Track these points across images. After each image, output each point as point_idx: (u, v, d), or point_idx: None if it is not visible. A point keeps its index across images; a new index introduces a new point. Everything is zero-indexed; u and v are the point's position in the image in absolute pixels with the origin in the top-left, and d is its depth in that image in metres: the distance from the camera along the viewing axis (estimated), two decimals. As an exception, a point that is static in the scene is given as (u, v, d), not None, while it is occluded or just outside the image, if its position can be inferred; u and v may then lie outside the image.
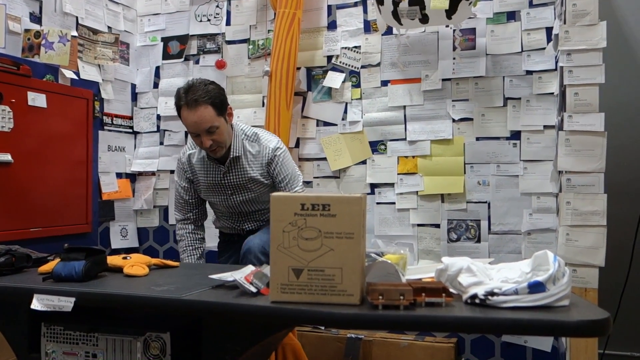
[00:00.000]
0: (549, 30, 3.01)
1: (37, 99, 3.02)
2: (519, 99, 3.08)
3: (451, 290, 1.49)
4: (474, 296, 1.42)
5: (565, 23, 2.57)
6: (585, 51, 2.52)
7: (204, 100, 2.42)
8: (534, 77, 3.06)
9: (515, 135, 3.10)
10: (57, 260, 1.88)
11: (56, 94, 3.16)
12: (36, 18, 3.14)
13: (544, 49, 3.02)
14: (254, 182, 2.64)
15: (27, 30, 3.04)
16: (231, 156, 2.58)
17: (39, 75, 3.10)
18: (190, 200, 2.77)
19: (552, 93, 2.99)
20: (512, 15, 3.12)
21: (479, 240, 3.16)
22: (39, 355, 1.80)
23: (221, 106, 2.49)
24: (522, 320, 1.32)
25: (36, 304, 1.69)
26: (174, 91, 3.71)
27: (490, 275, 1.51)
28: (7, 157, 2.85)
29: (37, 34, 3.05)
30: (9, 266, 1.94)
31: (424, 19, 2.91)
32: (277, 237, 1.50)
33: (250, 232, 2.73)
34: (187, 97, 2.43)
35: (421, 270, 1.85)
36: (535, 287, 1.37)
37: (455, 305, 1.44)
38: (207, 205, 2.88)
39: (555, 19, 2.94)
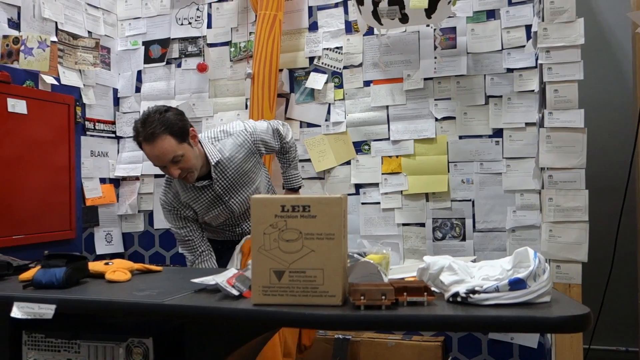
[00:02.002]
0: (528, 28, 3.03)
1: (17, 105, 2.99)
2: (501, 96, 3.10)
3: (433, 289, 1.49)
4: (456, 294, 1.43)
5: (543, 20, 2.58)
6: (563, 48, 2.53)
7: (161, 132, 2.31)
8: (515, 74, 3.08)
9: (498, 133, 3.12)
10: (38, 267, 1.86)
11: (37, 100, 3.13)
12: (14, 24, 3.11)
13: (523, 46, 3.04)
14: (247, 174, 2.61)
15: (5, 37, 3.01)
16: (212, 163, 2.53)
17: (18, 81, 3.07)
18: (197, 239, 2.66)
19: (533, 90, 3.01)
20: (491, 14, 3.13)
21: (464, 239, 3.17)
22: (20, 364, 1.78)
23: (181, 133, 2.37)
24: (503, 317, 1.32)
25: (16, 312, 1.67)
26: (157, 95, 3.78)
27: (472, 273, 1.51)
28: (-13, 164, 2.82)
29: (16, 40, 3.02)
30: (-11, 274, 1.92)
31: (404, 19, 2.91)
32: (258, 239, 1.49)
33: (244, 232, 2.70)
34: (144, 132, 2.31)
35: (404, 270, 1.86)
36: (516, 284, 1.37)
37: (437, 304, 1.44)
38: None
39: (534, 16, 2.96)
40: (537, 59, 2.91)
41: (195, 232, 2.65)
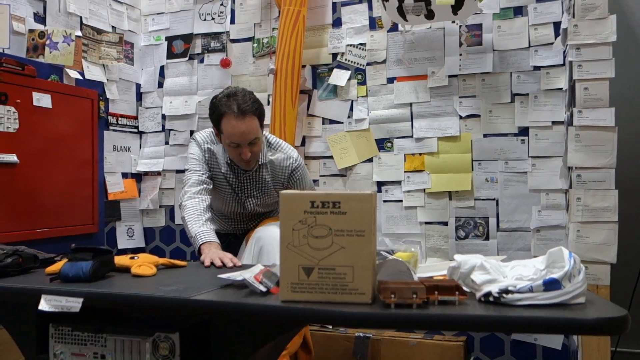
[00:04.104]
0: (556, 25, 2.98)
1: (42, 100, 3.01)
2: (527, 94, 3.06)
3: (464, 288, 1.46)
4: (488, 294, 1.40)
5: (574, 17, 2.54)
6: (594, 45, 2.49)
7: (252, 111, 2.35)
8: (542, 72, 3.03)
9: (523, 131, 3.07)
10: (64, 260, 1.86)
11: (61, 94, 3.15)
12: (40, 18, 3.13)
13: (551, 44, 2.99)
14: (270, 187, 2.61)
15: (31, 31, 3.03)
16: (259, 162, 2.54)
17: (43, 75, 3.09)
18: (205, 171, 2.53)
19: (561, 88, 2.97)
20: (519, 10, 3.09)
21: (487, 238, 3.13)
22: (47, 356, 1.77)
23: (262, 118, 2.44)
24: (538, 319, 1.29)
25: (44, 305, 1.67)
26: (179, 90, 3.78)
27: (504, 273, 1.49)
28: (13, 157, 2.84)
29: (42, 34, 3.03)
30: (16, 267, 1.93)
31: (430, 15, 2.89)
32: (287, 235, 1.48)
33: (248, 230, 2.71)
34: (237, 106, 2.33)
35: (432, 268, 1.83)
36: (551, 285, 1.34)
37: (469, 304, 1.41)
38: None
39: (563, 13, 2.91)
40: (565, 57, 2.87)
41: (207, 175, 2.52)
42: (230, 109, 2.34)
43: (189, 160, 2.56)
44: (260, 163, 2.55)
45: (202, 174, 2.50)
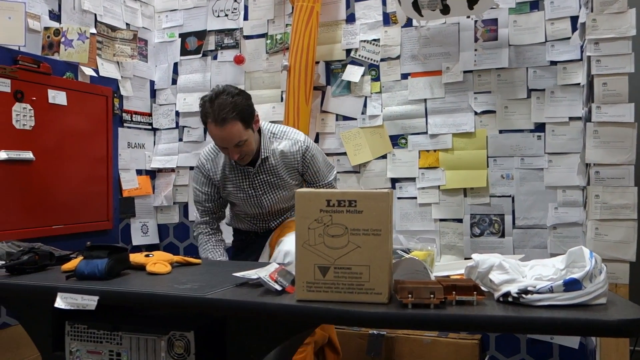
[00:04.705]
0: (573, 19, 2.94)
1: (57, 97, 3.02)
2: (543, 90, 3.02)
3: (482, 288, 1.44)
4: (507, 294, 1.38)
5: (592, 11, 2.50)
6: (613, 40, 2.45)
7: (232, 117, 2.32)
8: (559, 67, 2.99)
9: (540, 127, 3.04)
10: (80, 258, 1.86)
11: (76, 92, 3.15)
12: (55, 16, 3.14)
13: (568, 38, 2.95)
14: (285, 179, 2.59)
15: (46, 28, 3.03)
16: (261, 157, 2.53)
17: (59, 72, 3.09)
18: (211, 206, 2.70)
19: (578, 84, 2.93)
20: (535, 5, 3.05)
21: (503, 235, 3.10)
22: (63, 354, 1.78)
23: (249, 119, 2.41)
24: (558, 320, 1.27)
25: (60, 303, 1.68)
26: (192, 87, 3.78)
27: (523, 273, 1.46)
28: (29, 154, 2.85)
29: (57, 32, 3.04)
30: (33, 264, 1.93)
31: (445, 10, 2.86)
32: (303, 234, 1.47)
33: (270, 230, 2.70)
34: (214, 114, 2.32)
35: (449, 267, 1.81)
36: (571, 285, 1.32)
37: (487, 304, 1.39)
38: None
39: (580, 7, 2.86)
40: (583, 51, 2.82)
41: (214, 203, 2.69)
42: (209, 117, 2.35)
43: (193, 190, 2.73)
44: (262, 157, 2.53)
45: (206, 201, 2.68)
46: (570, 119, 2.97)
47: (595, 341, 2.55)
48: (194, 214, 3.70)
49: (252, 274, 1.65)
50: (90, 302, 1.66)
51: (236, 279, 1.70)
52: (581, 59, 2.90)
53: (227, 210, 2.87)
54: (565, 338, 2.92)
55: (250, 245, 2.77)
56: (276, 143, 2.57)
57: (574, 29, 2.93)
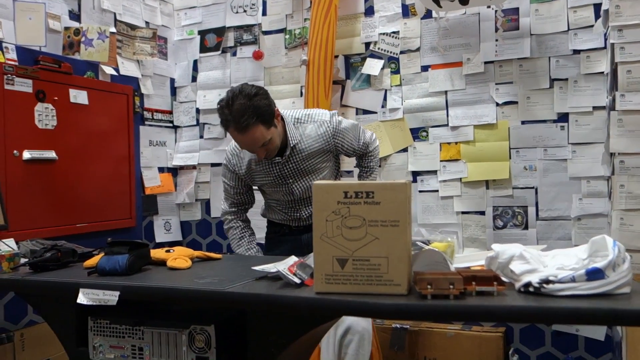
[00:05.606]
0: (596, 6, 2.88)
1: (78, 96, 3.06)
2: (566, 79, 2.97)
3: (503, 278, 1.42)
4: (528, 284, 1.36)
5: (615, -3, 2.45)
6: (637, 26, 2.39)
7: (253, 122, 2.25)
8: (582, 56, 2.94)
9: (563, 117, 2.99)
10: (102, 254, 1.88)
11: (97, 91, 3.19)
12: (75, 16, 3.18)
13: (592, 26, 2.90)
14: (314, 163, 2.57)
15: (66, 28, 3.07)
16: (289, 145, 2.48)
17: (79, 72, 3.13)
18: (239, 198, 2.66)
19: (602, 72, 2.87)
20: (557, -7, 3.00)
21: (526, 227, 3.06)
22: (86, 349, 1.81)
23: (270, 119, 2.33)
24: (580, 310, 1.24)
25: (82, 298, 1.70)
26: (212, 84, 3.80)
27: (545, 263, 1.44)
28: (52, 154, 2.89)
29: (77, 32, 3.08)
30: (55, 261, 1.96)
31: (464, 0, 2.82)
32: (321, 226, 1.46)
33: (303, 220, 2.66)
34: (235, 122, 2.25)
35: (469, 259, 1.79)
36: (594, 274, 1.29)
37: (508, 294, 1.37)
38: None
39: (603, -6, 2.81)
40: (606, 39, 2.77)
41: (241, 194, 2.66)
42: (231, 124, 2.28)
43: (222, 183, 2.71)
44: (292, 144, 2.49)
45: (234, 194, 2.65)
46: (594, 108, 2.91)
47: (622, 332, 2.50)
48: (216, 211, 3.75)
49: (270, 267, 1.65)
50: (111, 297, 1.67)
51: (256, 272, 1.70)
52: (605, 47, 2.84)
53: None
54: (591, 330, 2.87)
55: (283, 239, 2.70)
56: (302, 128, 2.50)
57: (597, 16, 2.87)
